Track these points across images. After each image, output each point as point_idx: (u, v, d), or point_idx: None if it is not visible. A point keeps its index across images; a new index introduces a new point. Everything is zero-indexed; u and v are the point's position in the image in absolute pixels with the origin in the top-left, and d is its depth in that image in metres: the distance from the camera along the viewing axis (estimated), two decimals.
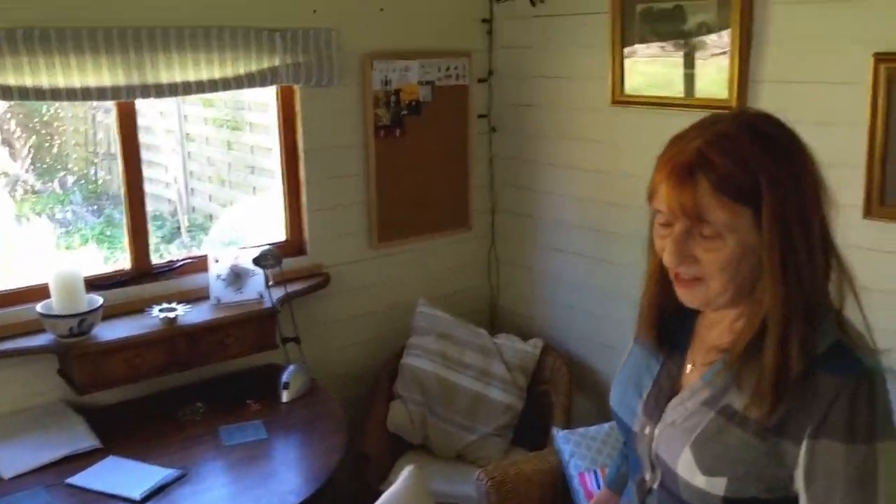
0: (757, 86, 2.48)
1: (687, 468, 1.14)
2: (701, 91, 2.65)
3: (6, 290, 2.56)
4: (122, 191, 2.78)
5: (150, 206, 4.71)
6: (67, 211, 4.24)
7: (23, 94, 2.40)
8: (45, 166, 4.13)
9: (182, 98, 4.30)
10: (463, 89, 3.33)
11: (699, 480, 1.13)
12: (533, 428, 3.05)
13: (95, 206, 4.47)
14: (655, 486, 1.23)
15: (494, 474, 2.33)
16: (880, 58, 2.14)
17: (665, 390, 1.25)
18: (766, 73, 2.46)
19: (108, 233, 4.28)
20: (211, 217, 4.53)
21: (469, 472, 2.65)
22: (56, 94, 2.45)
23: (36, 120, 4.03)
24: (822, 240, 1.11)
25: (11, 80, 2.36)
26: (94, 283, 2.67)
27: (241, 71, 2.78)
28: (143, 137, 4.49)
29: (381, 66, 3.08)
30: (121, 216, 4.64)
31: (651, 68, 2.80)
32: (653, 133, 2.80)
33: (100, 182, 4.57)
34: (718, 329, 1.22)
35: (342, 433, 2.47)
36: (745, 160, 1.07)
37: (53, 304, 2.46)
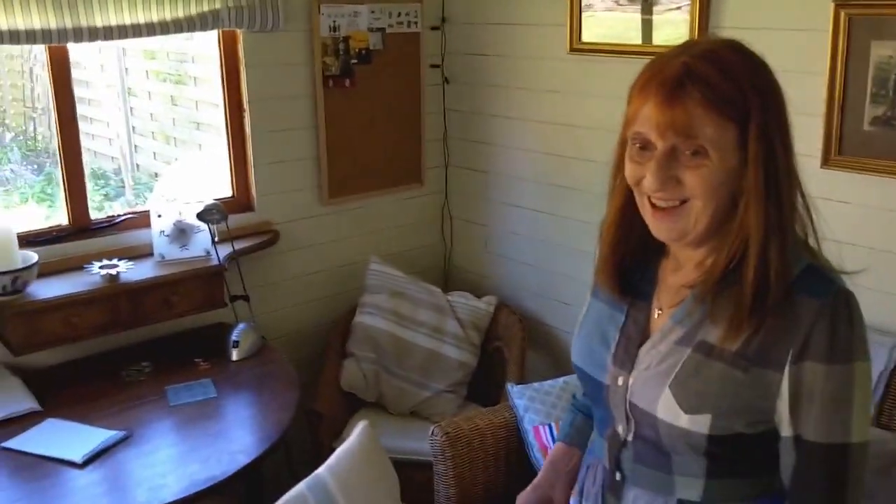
0: (717, 33, 2.44)
1: (668, 409, 1.11)
2: (660, 39, 2.59)
3: None
4: (57, 141, 2.63)
5: (94, 164, 4.55)
6: (6, 169, 4.04)
7: None
8: None
9: (122, 50, 4.09)
10: (415, 37, 3.22)
11: (683, 420, 1.09)
12: (486, 384, 3.03)
13: (35, 164, 4.27)
14: (630, 437, 1.20)
15: (448, 429, 2.29)
16: (840, 4, 2.11)
17: (634, 339, 1.20)
18: (727, 20, 2.42)
19: (49, 191, 4.10)
20: (156, 175, 4.37)
21: (423, 428, 2.61)
22: None
23: None
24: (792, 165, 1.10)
25: None
26: (29, 240, 2.54)
27: (181, 14, 2.63)
28: (83, 92, 4.31)
29: (329, 10, 2.95)
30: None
31: (610, 14, 2.73)
32: (611, 83, 2.74)
33: (39, 139, 4.37)
34: (684, 271, 1.19)
35: (294, 391, 2.40)
36: (732, 72, 1.05)
37: None
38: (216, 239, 2.69)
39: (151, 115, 4.41)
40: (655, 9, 2.58)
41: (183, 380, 2.46)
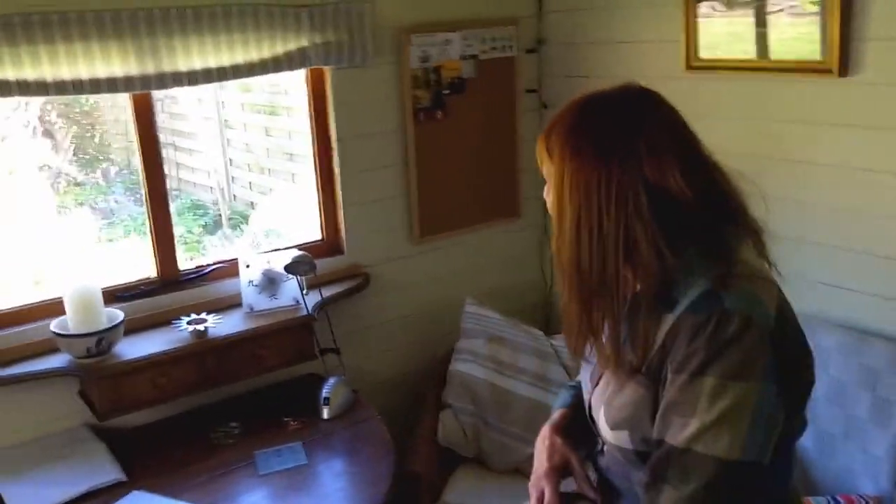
0: (861, 45, 2.12)
1: (603, 425, 1.24)
2: (780, 53, 2.28)
3: (19, 307, 2.33)
4: (144, 192, 2.54)
5: (194, 196, 4.56)
6: (110, 202, 4.05)
7: (23, 88, 2.14)
8: (87, 157, 3.95)
9: (219, 84, 4.05)
10: (509, 62, 3.01)
11: (609, 435, 1.22)
12: None
13: (139, 196, 4.30)
14: (602, 446, 1.32)
15: None
16: None
17: None
18: (873, 29, 2.10)
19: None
20: (252, 205, 4.33)
21: (528, 488, 2.38)
22: (61, 88, 2.19)
23: (77, 110, 3.85)
24: (649, 201, 1.13)
25: (10, 73, 2.11)
26: (117, 295, 2.44)
27: (267, 54, 2.50)
28: (181, 125, 4.31)
29: (419, 40, 2.78)
30: None
31: (731, 27, 2.44)
32: (735, 103, 2.45)
33: (138, 172, 4.39)
34: None
35: (389, 457, 2.21)
36: (560, 122, 1.22)
37: (69, 321, 2.23)
38: (304, 290, 2.54)
39: (247, 145, 4.39)
40: (771, 18, 2.27)
41: (272, 442, 2.30)
